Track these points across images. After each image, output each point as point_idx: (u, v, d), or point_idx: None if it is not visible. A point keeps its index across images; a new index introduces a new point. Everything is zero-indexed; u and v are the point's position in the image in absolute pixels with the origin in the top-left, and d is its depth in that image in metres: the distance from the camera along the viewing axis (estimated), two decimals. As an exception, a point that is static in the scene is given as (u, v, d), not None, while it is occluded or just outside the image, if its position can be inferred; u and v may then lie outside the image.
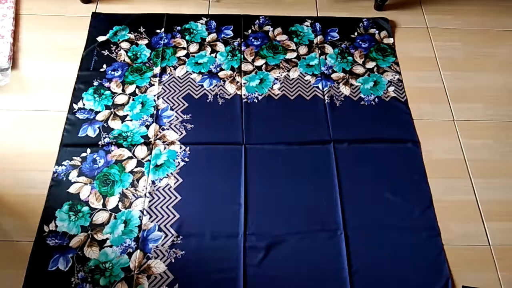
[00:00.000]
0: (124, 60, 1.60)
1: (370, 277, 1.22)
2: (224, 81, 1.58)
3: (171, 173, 1.37)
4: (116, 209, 1.29)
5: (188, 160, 1.40)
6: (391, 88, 1.58)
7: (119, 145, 1.41)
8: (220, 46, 1.66)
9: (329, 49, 1.68)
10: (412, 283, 1.22)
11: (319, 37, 1.71)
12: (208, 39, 1.68)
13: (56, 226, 1.26)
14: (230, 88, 1.56)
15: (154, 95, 1.52)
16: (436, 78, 1.62)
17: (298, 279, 1.21)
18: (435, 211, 1.34)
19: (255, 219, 1.30)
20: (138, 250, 1.23)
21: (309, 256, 1.25)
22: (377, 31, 1.74)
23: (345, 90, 1.57)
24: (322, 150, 1.44)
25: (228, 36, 1.69)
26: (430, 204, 1.34)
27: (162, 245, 1.24)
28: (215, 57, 1.64)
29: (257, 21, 1.74)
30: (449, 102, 1.56)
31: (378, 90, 1.58)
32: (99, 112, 1.48)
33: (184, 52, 1.64)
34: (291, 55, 1.66)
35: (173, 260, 1.22)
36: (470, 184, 1.40)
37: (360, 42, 1.71)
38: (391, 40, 1.72)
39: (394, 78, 1.61)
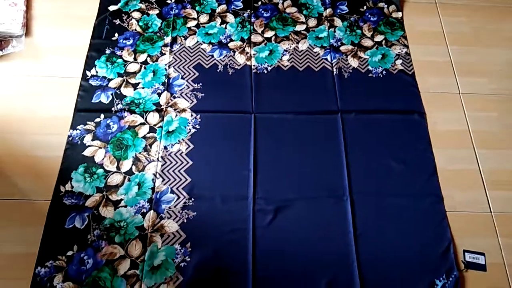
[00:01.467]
0: (135, 30, 1.63)
1: (375, 240, 1.27)
2: (234, 51, 1.60)
3: (183, 139, 1.40)
4: (130, 172, 1.33)
5: (199, 127, 1.43)
6: (399, 61, 1.61)
7: (132, 112, 1.44)
8: (230, 17, 1.68)
9: (338, 22, 1.70)
10: (415, 246, 1.26)
11: (329, 10, 1.72)
12: (218, 10, 1.70)
13: (72, 187, 1.30)
14: (240, 59, 1.59)
15: (165, 64, 1.55)
16: (443, 52, 1.65)
17: (305, 240, 1.26)
18: (439, 179, 1.37)
19: (264, 184, 1.34)
20: (152, 211, 1.27)
21: (316, 219, 1.29)
22: (386, 5, 1.75)
23: (353, 62, 1.60)
24: (330, 120, 1.47)
25: (238, 8, 1.71)
26: (434, 172, 1.38)
27: (175, 206, 1.29)
28: (225, 28, 1.66)
29: (267, -7, 1.76)
30: (455, 76, 1.59)
31: (386, 63, 1.60)
32: (112, 79, 1.51)
33: (194, 22, 1.66)
34: (300, 28, 1.68)
35: (185, 221, 1.27)
36: (474, 154, 1.43)
37: (369, 16, 1.72)
38: (399, 14, 1.73)
39: (402, 51, 1.63)
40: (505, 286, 1.23)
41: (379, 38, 1.66)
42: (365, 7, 1.74)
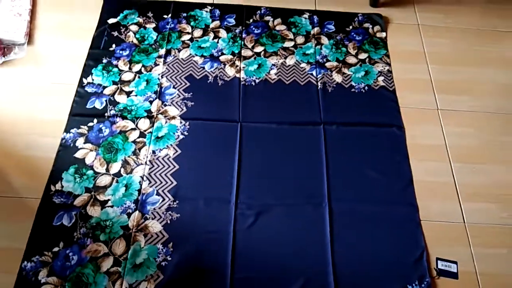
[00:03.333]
0: (132, 41, 1.72)
1: (350, 245, 1.31)
2: (225, 64, 1.68)
3: (171, 145, 1.47)
4: (118, 174, 1.39)
5: (187, 133, 1.50)
6: (381, 78, 1.69)
7: (124, 117, 1.52)
8: (223, 33, 1.78)
9: (325, 40, 1.79)
10: (389, 253, 1.30)
11: (316, 29, 1.81)
12: (211, 25, 1.79)
13: (62, 186, 1.36)
14: (230, 71, 1.67)
15: (159, 74, 1.63)
16: (424, 71, 1.72)
17: (283, 244, 1.30)
18: (416, 190, 1.43)
19: (247, 189, 1.40)
20: (137, 211, 1.33)
21: (294, 224, 1.34)
22: (371, 26, 1.84)
23: (338, 78, 1.68)
24: (313, 131, 1.53)
25: (231, 24, 1.81)
26: (410, 183, 1.44)
27: (159, 208, 1.34)
28: (217, 42, 1.75)
29: (259, 11, 1.85)
30: (434, 93, 1.66)
31: (368, 79, 1.68)
32: (107, 87, 1.59)
33: (188, 36, 1.75)
34: (288, 44, 1.76)
35: (168, 222, 1.32)
36: (450, 168, 1.49)
37: (355, 35, 1.81)
38: (383, 34, 1.82)
39: (384, 69, 1.71)
40: (476, 294, 1.27)
41: (363, 56, 1.75)
42: (351, 27, 1.84)
